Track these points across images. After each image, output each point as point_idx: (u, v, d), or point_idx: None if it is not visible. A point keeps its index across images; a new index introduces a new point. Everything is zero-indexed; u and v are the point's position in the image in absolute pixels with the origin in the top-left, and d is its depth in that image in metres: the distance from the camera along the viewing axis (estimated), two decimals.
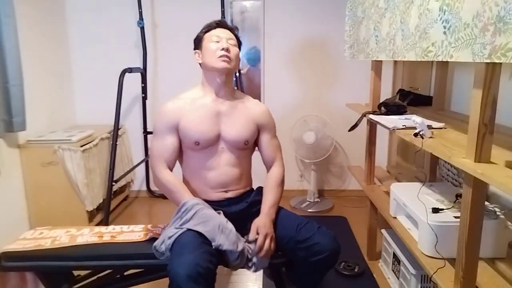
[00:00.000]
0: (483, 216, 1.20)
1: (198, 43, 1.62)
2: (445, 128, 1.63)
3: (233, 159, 1.54)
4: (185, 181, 1.60)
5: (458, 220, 1.27)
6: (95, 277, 1.65)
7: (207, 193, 1.55)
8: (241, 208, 1.55)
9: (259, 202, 1.56)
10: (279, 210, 1.57)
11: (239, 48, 1.62)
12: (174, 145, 1.52)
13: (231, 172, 1.54)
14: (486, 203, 1.42)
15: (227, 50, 1.52)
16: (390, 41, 1.76)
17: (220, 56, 1.52)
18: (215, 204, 1.51)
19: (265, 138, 1.63)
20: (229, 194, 1.55)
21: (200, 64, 1.61)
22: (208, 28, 1.60)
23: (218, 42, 1.54)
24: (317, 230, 1.44)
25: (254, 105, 1.65)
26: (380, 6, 1.86)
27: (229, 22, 1.78)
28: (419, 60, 1.43)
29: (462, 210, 1.22)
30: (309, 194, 3.32)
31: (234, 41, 1.59)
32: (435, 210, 1.52)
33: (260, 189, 1.63)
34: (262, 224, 1.43)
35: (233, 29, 1.62)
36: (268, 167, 1.66)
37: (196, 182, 1.57)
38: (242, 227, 1.46)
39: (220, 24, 1.60)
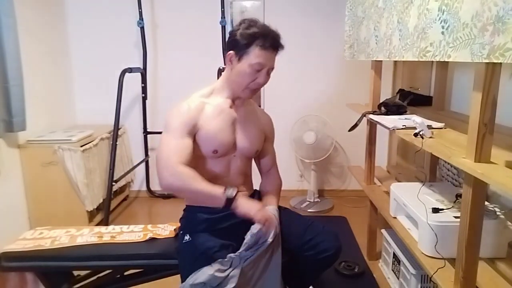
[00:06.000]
0: (483, 216, 1.20)
1: (239, 48, 1.38)
2: (445, 128, 1.63)
3: (242, 166, 1.53)
4: None
5: (458, 220, 1.27)
6: (95, 277, 1.65)
7: None
8: None
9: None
10: (284, 210, 1.59)
11: None
12: (190, 148, 1.38)
13: (240, 179, 1.53)
14: (486, 203, 1.41)
15: (264, 84, 1.42)
16: (387, 41, 1.76)
17: (250, 89, 1.43)
18: (224, 211, 1.45)
19: (267, 147, 1.64)
20: None
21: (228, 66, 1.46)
22: (257, 40, 1.35)
23: (258, 71, 1.38)
24: (322, 229, 1.51)
25: (262, 114, 1.64)
26: (379, 6, 1.86)
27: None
28: (417, 60, 1.43)
29: (462, 210, 1.22)
30: (309, 194, 3.32)
31: (273, 68, 1.44)
32: (435, 210, 1.52)
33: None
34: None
35: (281, 49, 1.42)
36: (265, 172, 1.67)
37: None
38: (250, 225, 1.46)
39: (273, 46, 1.36)
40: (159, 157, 1.35)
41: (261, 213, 1.34)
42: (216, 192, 1.30)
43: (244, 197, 1.36)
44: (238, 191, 1.32)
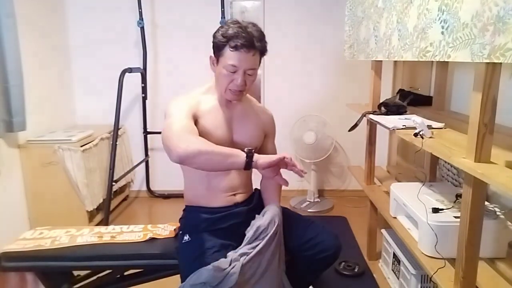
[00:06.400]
0: (483, 216, 1.20)
1: (216, 50, 1.39)
2: (445, 128, 1.63)
3: None
4: (190, 187, 1.56)
5: (458, 220, 1.27)
6: (95, 277, 1.65)
7: (216, 198, 1.49)
8: (249, 206, 1.54)
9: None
10: (284, 210, 1.59)
11: (262, 57, 1.43)
12: (197, 130, 1.33)
13: (240, 176, 1.53)
14: (486, 203, 1.42)
15: (242, 85, 1.38)
16: (386, 41, 1.76)
17: (231, 90, 1.40)
18: (223, 211, 1.48)
19: (268, 144, 1.63)
20: (238, 198, 1.53)
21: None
22: (229, 41, 1.33)
23: (234, 72, 1.36)
24: (322, 229, 1.51)
25: (262, 111, 1.62)
26: (379, 6, 1.86)
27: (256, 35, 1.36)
28: (416, 60, 1.43)
29: (462, 210, 1.22)
30: (309, 194, 3.32)
31: (255, 68, 1.39)
32: (435, 210, 1.52)
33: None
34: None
35: (260, 49, 1.38)
36: None
37: (204, 188, 1.50)
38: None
39: (245, 45, 1.32)
40: (168, 135, 1.24)
41: (283, 153, 1.26)
42: (234, 151, 1.23)
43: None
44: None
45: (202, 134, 1.39)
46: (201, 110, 1.43)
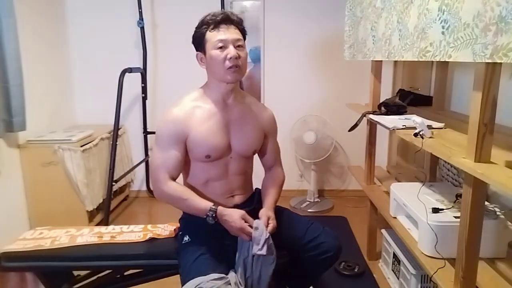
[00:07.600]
0: (483, 216, 1.20)
1: (199, 43, 1.43)
2: (445, 128, 1.63)
3: (240, 167, 1.51)
4: (189, 189, 1.53)
5: (458, 220, 1.27)
6: (95, 277, 1.65)
7: (214, 200, 1.47)
8: (249, 208, 1.53)
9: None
10: (284, 211, 1.59)
11: (244, 38, 1.45)
12: (179, 158, 1.41)
13: (238, 179, 1.52)
14: (486, 203, 1.42)
15: (236, 58, 1.37)
16: (385, 41, 1.76)
17: (229, 68, 1.37)
18: None
19: (269, 143, 1.61)
20: (236, 200, 1.52)
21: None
22: (209, 25, 1.39)
23: (223, 47, 1.37)
24: (323, 230, 1.51)
25: (261, 110, 1.58)
26: (377, 6, 1.86)
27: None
28: (416, 60, 1.43)
29: (462, 210, 1.22)
30: (309, 194, 3.32)
31: (241, 41, 1.41)
32: (435, 210, 1.52)
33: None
34: (265, 212, 1.45)
35: (238, 23, 1.43)
36: (268, 168, 1.65)
37: (202, 192, 1.50)
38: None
39: (223, 20, 1.38)
40: (150, 168, 1.46)
41: (234, 230, 1.36)
42: (201, 212, 1.38)
43: (226, 213, 1.37)
44: (216, 214, 1.36)
45: (196, 144, 1.41)
46: (194, 120, 1.42)
